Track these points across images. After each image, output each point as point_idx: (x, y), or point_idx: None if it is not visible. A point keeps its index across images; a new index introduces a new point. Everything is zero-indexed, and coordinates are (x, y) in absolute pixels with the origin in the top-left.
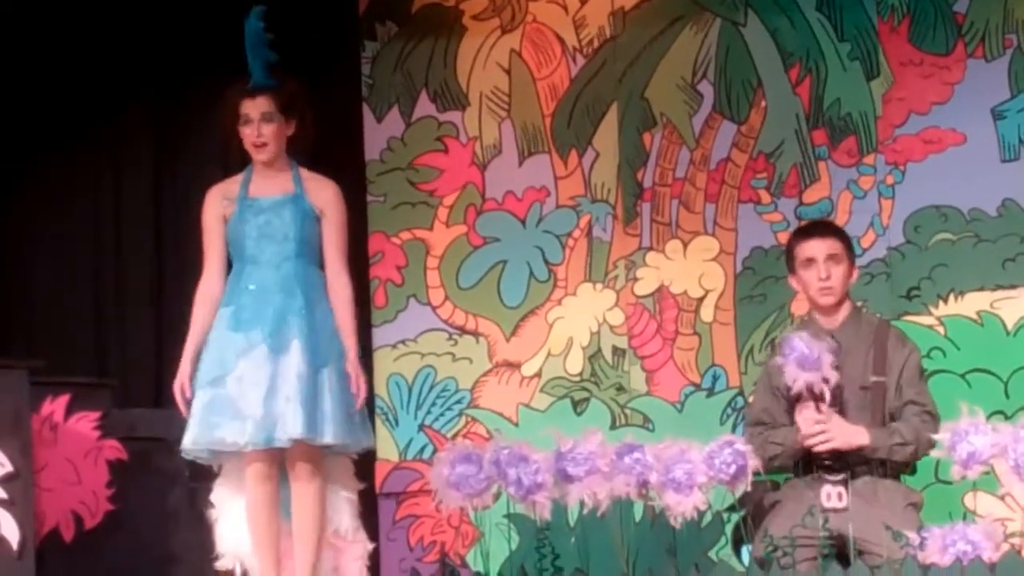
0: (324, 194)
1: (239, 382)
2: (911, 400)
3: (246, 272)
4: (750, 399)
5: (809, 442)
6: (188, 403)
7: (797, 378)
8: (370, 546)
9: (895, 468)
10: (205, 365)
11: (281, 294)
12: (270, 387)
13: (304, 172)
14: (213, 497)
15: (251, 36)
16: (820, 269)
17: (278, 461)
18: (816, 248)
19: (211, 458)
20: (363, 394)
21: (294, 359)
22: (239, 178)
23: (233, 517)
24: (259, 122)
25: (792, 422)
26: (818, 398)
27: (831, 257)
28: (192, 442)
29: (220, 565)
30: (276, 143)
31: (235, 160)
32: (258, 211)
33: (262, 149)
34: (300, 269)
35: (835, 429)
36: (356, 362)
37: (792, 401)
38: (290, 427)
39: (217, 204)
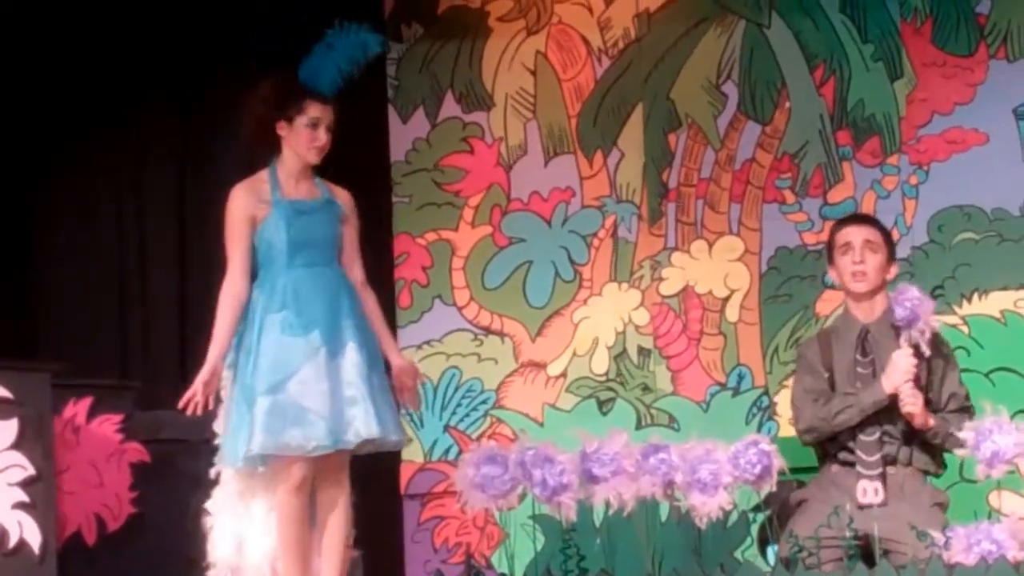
0: (345, 200)
1: (303, 385)
2: (963, 407)
3: (286, 276)
4: (775, 398)
5: (903, 388)
6: (205, 402)
7: (918, 311)
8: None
9: (924, 465)
10: (263, 372)
11: (328, 298)
12: (332, 389)
13: (320, 178)
14: (210, 505)
15: (353, 48)
16: (855, 253)
17: (312, 473)
18: (854, 234)
19: (255, 465)
20: (419, 404)
21: (352, 360)
22: (264, 177)
23: (230, 525)
24: (325, 128)
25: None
26: (919, 353)
27: (867, 243)
28: (260, 447)
29: (212, 575)
30: (326, 152)
31: (260, 153)
32: (298, 213)
33: (320, 153)
34: (339, 273)
35: (917, 395)
36: (414, 372)
37: (896, 333)
38: (362, 427)
39: (248, 203)
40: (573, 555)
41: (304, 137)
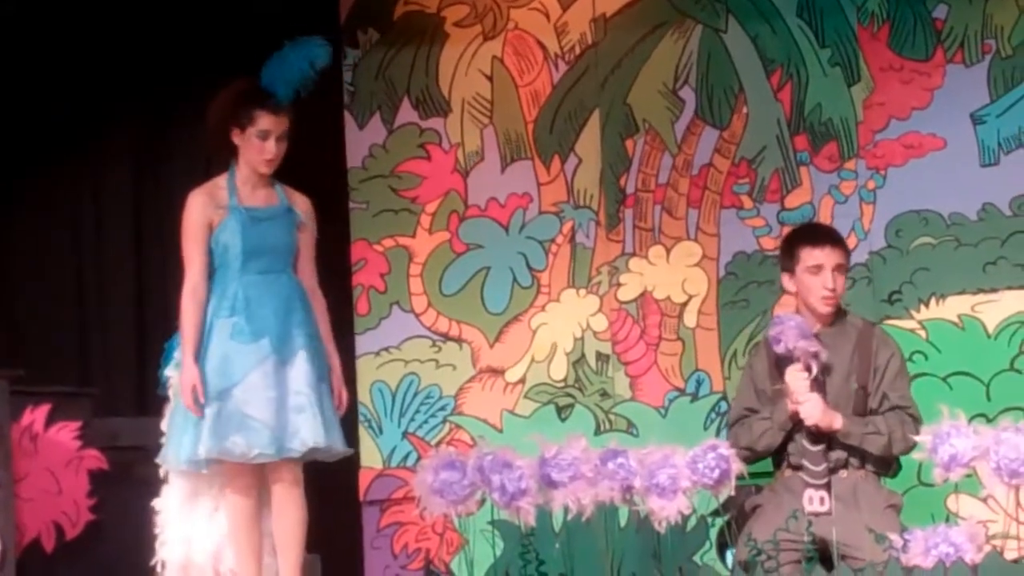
0: (304, 207)
1: (248, 392)
2: (894, 405)
3: (239, 281)
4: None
5: (797, 406)
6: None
7: (795, 345)
8: None
9: (876, 466)
10: (210, 376)
11: (281, 305)
12: (279, 397)
13: (280, 184)
14: (159, 503)
15: (302, 62)
16: (827, 279)
17: (261, 473)
18: (826, 257)
19: (198, 468)
20: (344, 406)
21: (301, 369)
22: (222, 183)
23: (178, 525)
24: (276, 139)
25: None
26: (808, 369)
27: (838, 267)
28: (206, 452)
29: (162, 574)
30: (279, 161)
31: (218, 159)
32: (254, 220)
33: (270, 165)
34: (293, 280)
35: (816, 404)
36: (340, 375)
37: (780, 364)
38: (308, 436)
39: (205, 209)
40: (532, 560)
41: (254, 148)
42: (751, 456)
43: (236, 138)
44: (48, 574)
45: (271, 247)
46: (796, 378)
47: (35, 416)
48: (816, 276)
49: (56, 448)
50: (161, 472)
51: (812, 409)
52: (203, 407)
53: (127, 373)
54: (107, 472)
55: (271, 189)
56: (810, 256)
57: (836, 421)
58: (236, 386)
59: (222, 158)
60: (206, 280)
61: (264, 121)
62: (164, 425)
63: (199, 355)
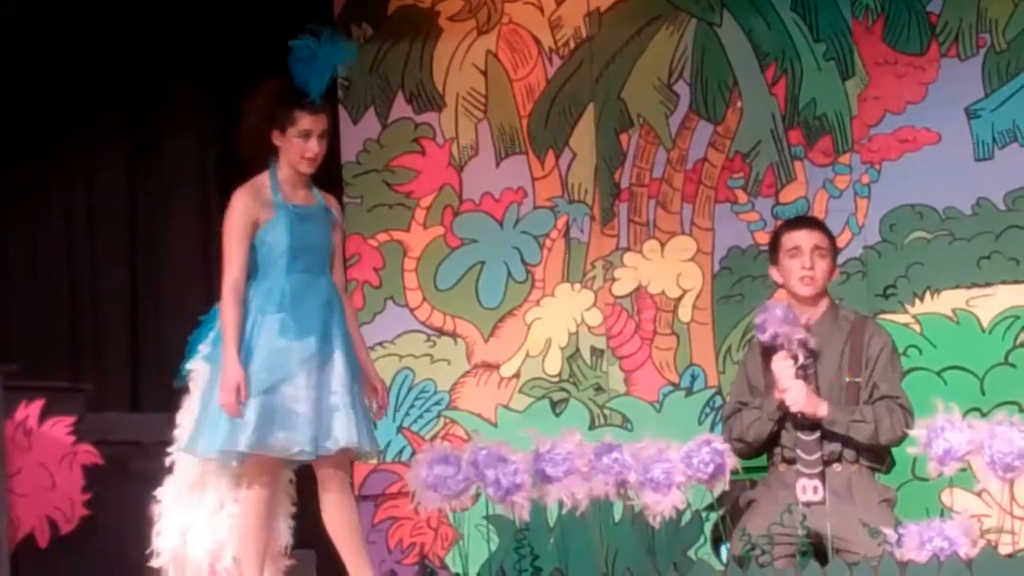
0: (335, 206)
1: (296, 389)
2: (884, 395)
3: (285, 279)
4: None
5: (783, 394)
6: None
7: (779, 331)
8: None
9: (870, 460)
10: (256, 371)
11: (323, 304)
12: (318, 396)
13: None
14: (160, 492)
15: (332, 59)
16: (805, 259)
17: (281, 471)
18: (804, 238)
19: (227, 460)
20: (386, 405)
21: (339, 369)
22: (266, 182)
23: (177, 515)
24: (317, 138)
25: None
26: (793, 357)
27: (816, 249)
28: (247, 446)
29: (156, 563)
30: (320, 160)
31: (252, 158)
32: (300, 219)
33: (312, 164)
34: (331, 281)
35: (800, 390)
36: (377, 373)
37: (768, 355)
38: (341, 435)
39: (251, 208)
40: (527, 555)
41: (295, 148)
42: (744, 448)
43: (276, 139)
44: (42, 569)
45: (314, 246)
46: (781, 366)
47: (29, 411)
48: (795, 259)
49: (50, 443)
50: (168, 461)
51: (796, 395)
52: (243, 404)
53: (121, 368)
54: (101, 467)
55: (308, 189)
56: (789, 239)
57: (821, 408)
58: (284, 382)
59: (260, 158)
60: (245, 278)
61: (305, 121)
62: (181, 416)
63: (242, 349)
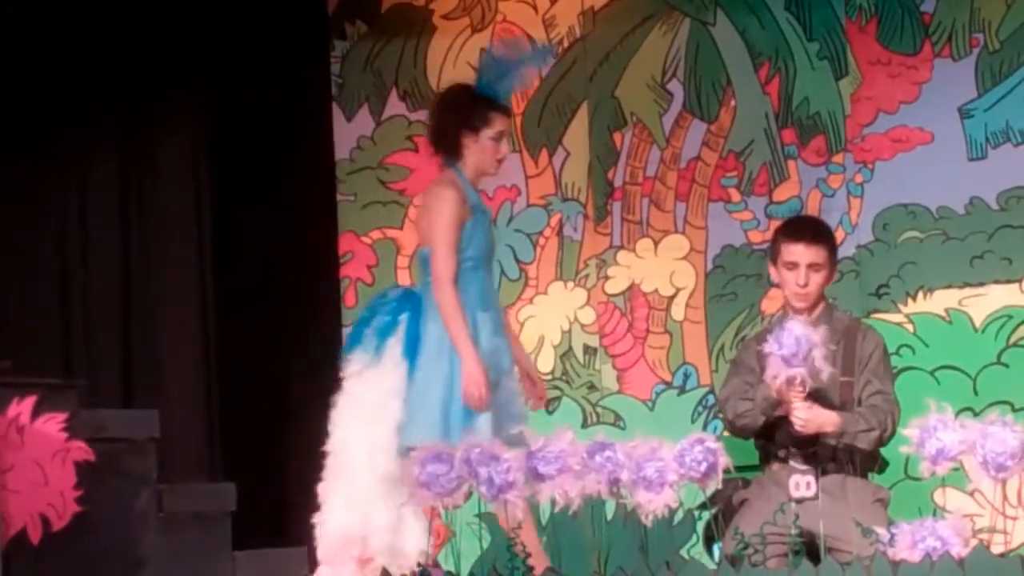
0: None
1: (514, 382)
2: (878, 390)
3: (483, 278)
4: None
5: (791, 414)
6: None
7: (779, 373)
8: None
9: (864, 463)
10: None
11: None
12: None
13: None
14: (361, 491)
15: (524, 61)
16: (800, 275)
17: None
18: (801, 254)
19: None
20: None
21: None
22: (459, 183)
23: (384, 513)
24: (505, 140)
25: None
26: (799, 392)
27: (812, 266)
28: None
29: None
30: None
31: (448, 156)
32: (489, 220)
33: (501, 165)
34: None
35: (805, 411)
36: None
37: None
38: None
39: (460, 206)
40: (519, 553)
41: (489, 150)
42: (730, 430)
43: (467, 140)
44: (34, 565)
45: (491, 246)
46: (788, 391)
47: (21, 408)
48: (791, 272)
49: (42, 440)
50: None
51: (804, 417)
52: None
53: (112, 364)
54: (93, 464)
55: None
56: (787, 252)
57: (828, 425)
58: (505, 376)
59: (446, 158)
60: None
61: (499, 122)
62: (339, 415)
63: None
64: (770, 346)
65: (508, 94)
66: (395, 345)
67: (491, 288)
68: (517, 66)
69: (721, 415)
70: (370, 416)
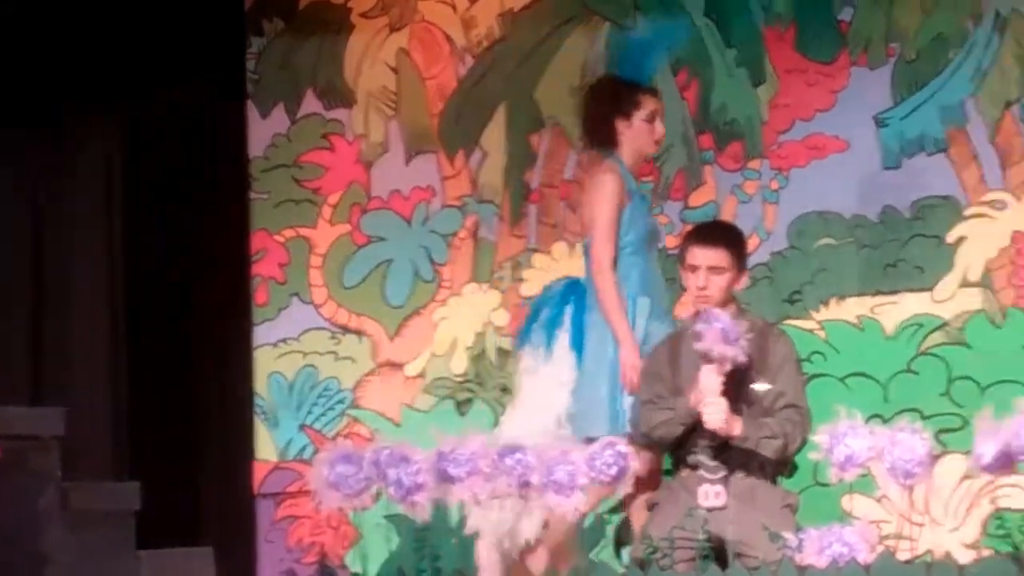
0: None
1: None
2: (790, 403)
3: (643, 263)
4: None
5: (703, 406)
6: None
7: (714, 348)
8: None
9: (773, 468)
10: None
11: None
12: None
13: None
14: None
15: (662, 44)
16: (699, 277)
17: None
18: (700, 256)
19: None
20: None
21: None
22: (617, 168)
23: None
24: (660, 119)
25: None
26: (726, 374)
27: (712, 268)
28: (647, 427)
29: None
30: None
31: (605, 146)
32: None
33: (659, 146)
34: None
35: (720, 408)
36: None
37: (683, 362)
38: None
39: (620, 192)
40: (427, 555)
41: (645, 132)
42: (642, 441)
43: (621, 126)
44: None
45: (651, 231)
46: (709, 379)
47: None
48: (692, 274)
49: None
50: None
51: (716, 413)
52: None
53: (23, 363)
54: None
55: None
56: (689, 255)
57: (735, 428)
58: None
59: (603, 148)
60: None
61: (649, 103)
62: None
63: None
64: (703, 324)
65: (651, 77)
66: (563, 337)
67: (652, 273)
68: (657, 47)
69: (632, 425)
70: (544, 410)
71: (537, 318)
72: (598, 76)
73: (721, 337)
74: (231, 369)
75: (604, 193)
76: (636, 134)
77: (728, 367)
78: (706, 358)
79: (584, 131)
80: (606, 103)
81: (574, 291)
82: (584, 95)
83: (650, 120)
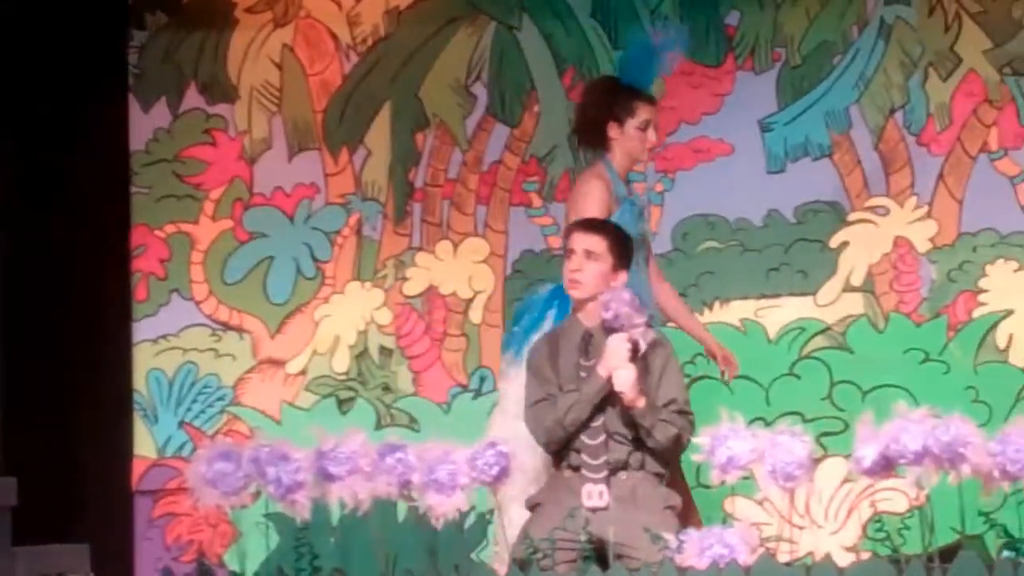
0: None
1: None
2: (681, 409)
3: (634, 268)
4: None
5: (613, 372)
6: None
7: (621, 311)
8: None
9: (655, 466)
10: None
11: None
12: None
13: None
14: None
15: (663, 47)
16: (573, 261)
17: None
18: (576, 241)
19: None
20: None
21: None
22: (606, 175)
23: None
24: (654, 128)
25: None
26: (633, 341)
27: (588, 253)
28: None
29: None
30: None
31: (595, 148)
32: (640, 213)
33: (652, 153)
34: None
35: (631, 373)
36: None
37: (591, 343)
38: None
39: (607, 198)
40: (306, 554)
41: (637, 139)
42: (560, 434)
43: (613, 132)
44: None
45: (639, 237)
46: (617, 346)
47: None
48: (568, 260)
49: None
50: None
51: (626, 377)
52: None
53: None
54: None
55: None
56: (569, 240)
57: (640, 400)
58: None
59: (592, 151)
60: None
61: (644, 111)
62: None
63: None
64: (609, 294)
65: (651, 82)
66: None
67: (640, 279)
68: (659, 52)
69: (531, 424)
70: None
71: (519, 322)
72: (596, 78)
73: (628, 301)
74: (110, 365)
75: (592, 199)
76: (628, 140)
77: (637, 336)
78: (613, 327)
79: (574, 129)
80: (601, 105)
81: (558, 296)
82: (581, 93)
83: (643, 128)
